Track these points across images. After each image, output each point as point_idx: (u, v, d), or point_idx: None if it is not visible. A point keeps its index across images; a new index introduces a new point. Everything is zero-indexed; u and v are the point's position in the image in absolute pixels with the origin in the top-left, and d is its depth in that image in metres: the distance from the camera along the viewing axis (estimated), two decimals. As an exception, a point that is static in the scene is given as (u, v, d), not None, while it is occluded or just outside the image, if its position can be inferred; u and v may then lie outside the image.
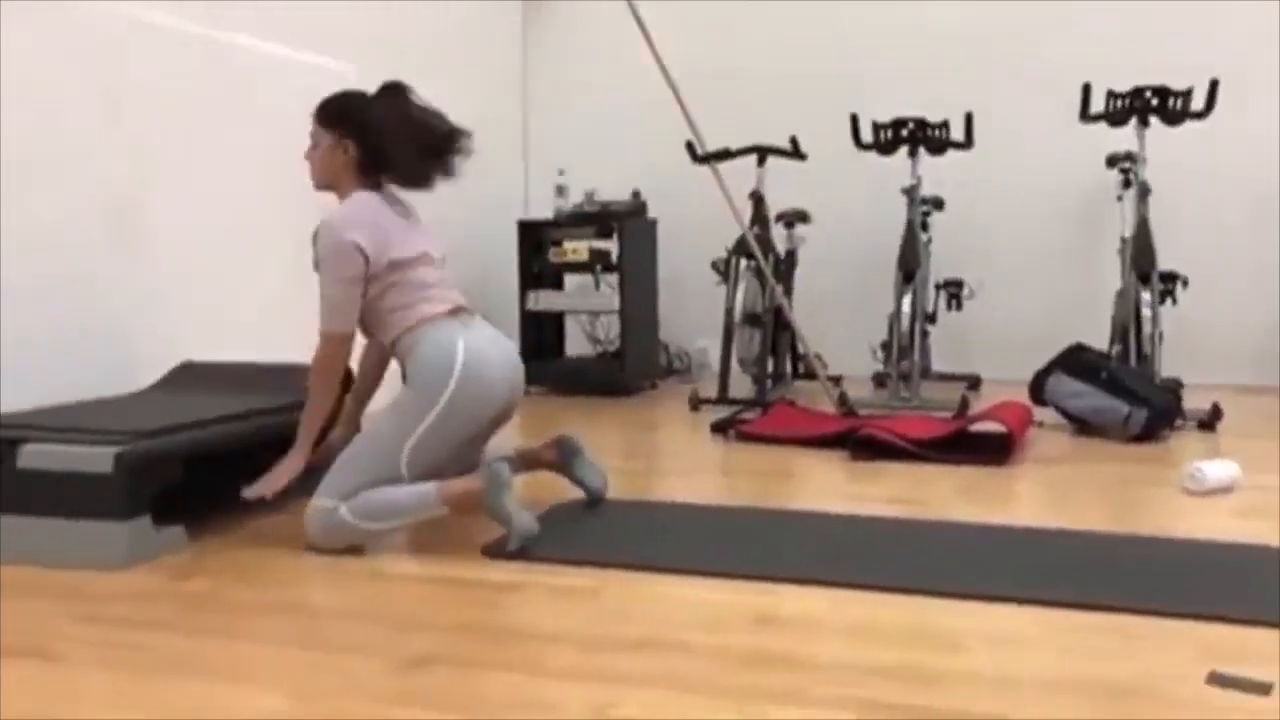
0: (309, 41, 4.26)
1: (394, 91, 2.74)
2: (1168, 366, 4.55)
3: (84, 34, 3.29)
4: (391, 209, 2.73)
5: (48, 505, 2.53)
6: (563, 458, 3.00)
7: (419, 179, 2.74)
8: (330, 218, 2.63)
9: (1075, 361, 4.14)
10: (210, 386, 3.22)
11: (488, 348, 2.67)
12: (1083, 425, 4.07)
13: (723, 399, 4.70)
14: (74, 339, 3.22)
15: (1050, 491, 3.23)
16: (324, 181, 2.76)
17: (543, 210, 5.64)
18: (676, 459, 3.80)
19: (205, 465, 2.77)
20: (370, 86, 2.75)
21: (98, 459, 2.52)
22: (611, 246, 5.22)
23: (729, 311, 4.87)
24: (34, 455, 2.56)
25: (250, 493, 2.65)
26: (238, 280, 3.88)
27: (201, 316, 3.67)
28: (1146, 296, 4.43)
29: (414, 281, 2.66)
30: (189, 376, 3.34)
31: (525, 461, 3.01)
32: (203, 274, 3.70)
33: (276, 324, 3.99)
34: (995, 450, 3.58)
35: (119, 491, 2.50)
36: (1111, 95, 4.61)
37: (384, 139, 2.68)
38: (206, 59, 3.77)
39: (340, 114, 2.73)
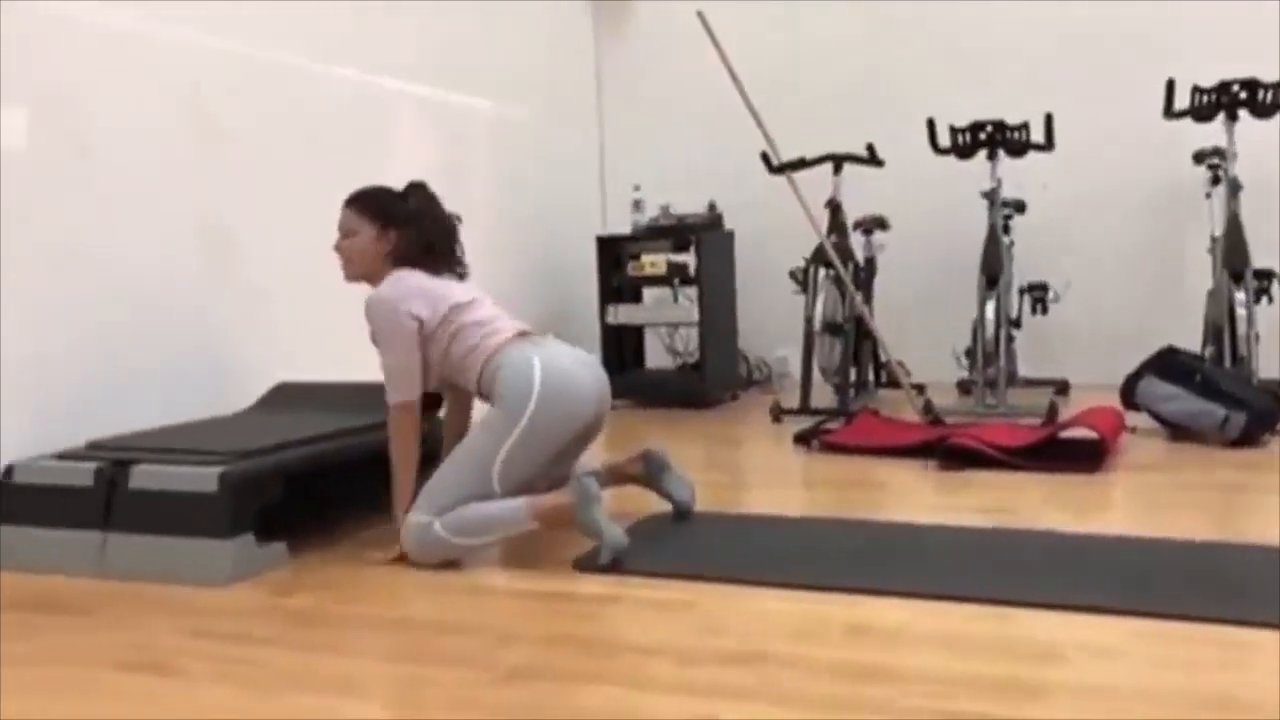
0: (390, 69, 4.36)
1: (421, 187, 2.93)
2: (1266, 367, 4.43)
3: (179, 68, 3.42)
4: (426, 274, 2.86)
5: (157, 524, 2.63)
6: (650, 471, 3.03)
7: (447, 266, 2.92)
8: (381, 293, 2.76)
9: (1168, 364, 4.06)
10: (306, 406, 3.31)
11: (566, 362, 2.76)
12: (1177, 430, 3.98)
13: (804, 409, 4.69)
14: (174, 362, 3.34)
15: (1145, 499, 3.18)
16: (362, 270, 2.87)
17: (620, 225, 5.68)
18: (760, 471, 3.81)
19: (304, 483, 2.86)
20: (449, 109, 2.82)
21: (203, 479, 2.61)
22: (689, 259, 5.25)
23: (809, 321, 4.86)
24: (144, 476, 2.67)
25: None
26: (328, 303, 3.98)
27: (294, 339, 3.78)
28: (1240, 296, 4.31)
29: (474, 321, 2.79)
30: (285, 397, 3.44)
31: (612, 476, 3.05)
32: (294, 297, 3.81)
33: (366, 345, 4.09)
34: (1087, 457, 3.52)
35: (223, 510, 2.60)
36: (1197, 90, 4.52)
37: (423, 229, 2.85)
38: (295, 89, 3.89)
39: (382, 207, 2.87)
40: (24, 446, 2.84)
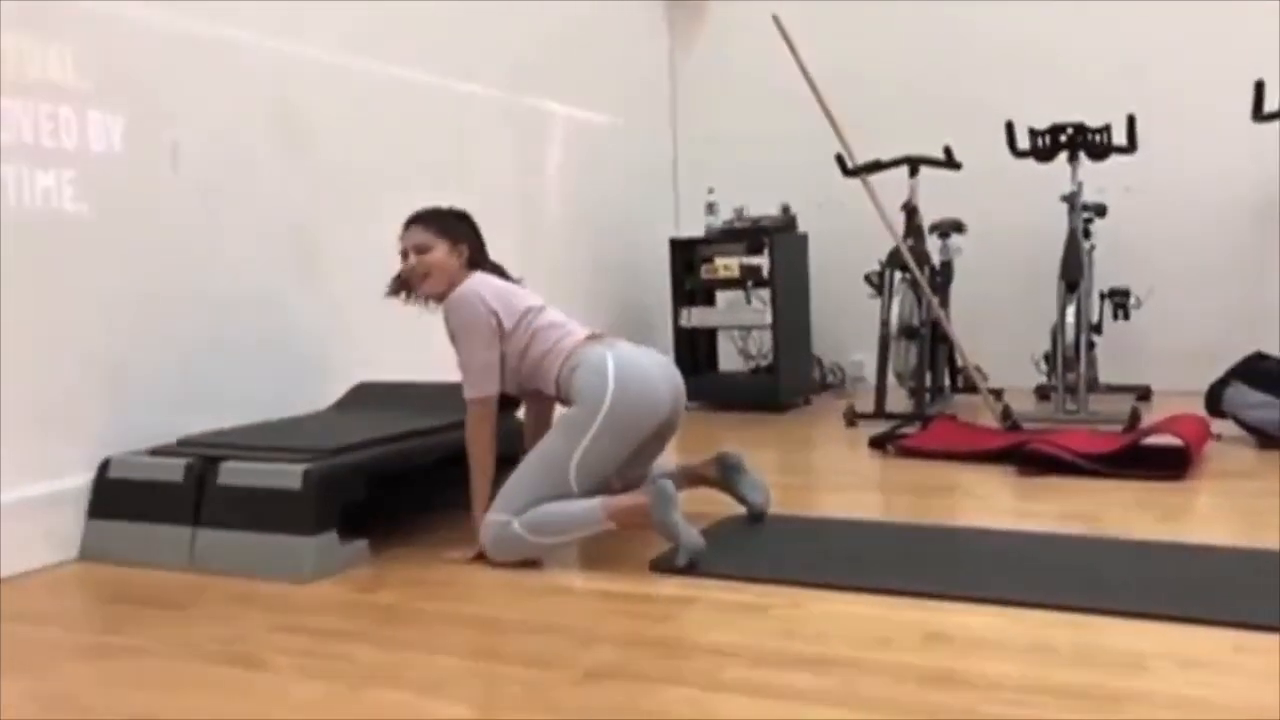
0: (468, 74, 4.42)
1: (462, 212, 3.03)
2: (1357, 375, 4.29)
3: (266, 74, 3.50)
4: (498, 277, 2.94)
5: (244, 519, 2.70)
6: (725, 474, 3.04)
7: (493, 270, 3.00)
8: (459, 293, 2.82)
9: (1256, 370, 3.96)
10: (385, 406, 3.37)
11: (641, 360, 2.81)
12: (1266, 438, 3.88)
13: (879, 414, 4.65)
14: (260, 361, 3.42)
15: (1234, 507, 3.11)
16: (443, 283, 2.90)
17: (694, 228, 5.69)
18: (835, 474, 3.79)
19: (384, 481, 2.91)
20: (526, 112, 2.86)
21: (288, 475, 2.68)
22: (762, 262, 5.24)
23: (884, 324, 4.82)
24: (232, 472, 2.75)
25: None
26: (408, 308, 4.04)
27: (373, 339, 3.84)
28: (1332, 302, 4.20)
29: (548, 324, 2.85)
30: (365, 396, 3.51)
31: (688, 478, 3.07)
32: (374, 299, 3.87)
33: (443, 346, 4.15)
34: (1171, 464, 3.45)
35: (308, 507, 2.66)
36: (1289, 93, 4.40)
37: (480, 248, 2.99)
38: (378, 94, 3.96)
39: (451, 223, 2.96)
40: (121, 442, 2.93)
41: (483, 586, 2.57)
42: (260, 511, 2.69)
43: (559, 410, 2.91)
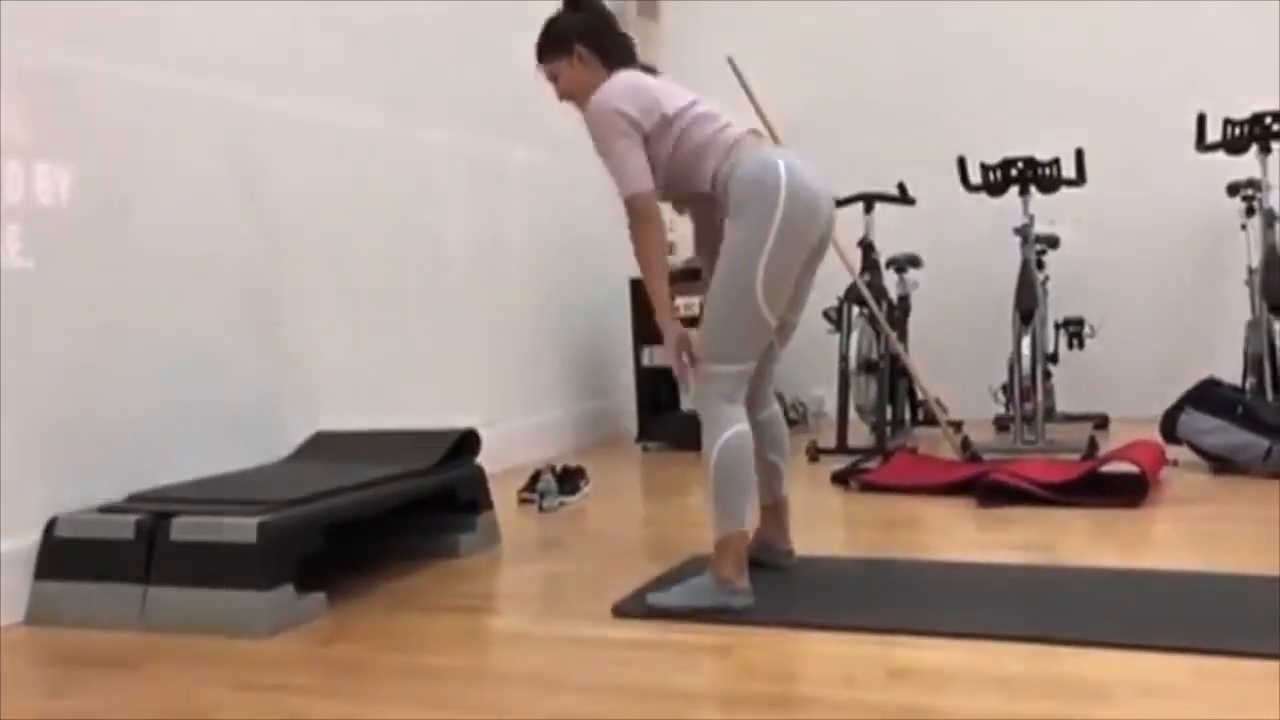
0: (425, 120, 4.42)
1: (569, 5, 2.82)
2: (1308, 398, 4.36)
3: (222, 124, 3.48)
4: (643, 72, 2.73)
5: (197, 576, 2.64)
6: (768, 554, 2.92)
7: (629, 57, 2.78)
8: (589, 106, 2.66)
9: (1208, 396, 4.01)
10: (343, 455, 3.33)
11: (804, 168, 2.58)
12: (1220, 463, 3.92)
13: (841, 448, 4.66)
14: (214, 413, 3.37)
15: (1191, 533, 3.12)
16: (586, 97, 2.72)
17: (652, 268, 5.70)
18: (798, 511, 3.75)
19: (342, 532, 2.87)
20: (485, 156, 2.83)
21: (243, 529, 2.63)
22: (722, 300, 5.25)
23: (844, 359, 4.85)
24: (185, 528, 2.69)
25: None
26: (365, 353, 4.02)
27: (331, 388, 3.81)
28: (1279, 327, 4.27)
29: (704, 116, 2.65)
30: (323, 446, 3.46)
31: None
32: (332, 347, 3.84)
33: (403, 394, 4.13)
34: (1128, 491, 3.47)
35: (263, 560, 2.60)
36: (1229, 123, 4.50)
37: (599, 30, 2.76)
38: (335, 143, 3.94)
39: (555, 40, 2.78)
40: (69, 501, 2.87)
41: (443, 637, 2.52)
42: (214, 567, 2.63)
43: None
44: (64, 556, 2.76)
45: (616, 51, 2.77)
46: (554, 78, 2.81)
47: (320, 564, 2.76)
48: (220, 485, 3.01)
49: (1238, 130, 4.49)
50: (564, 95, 2.81)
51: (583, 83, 2.73)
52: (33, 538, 2.80)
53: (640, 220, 2.59)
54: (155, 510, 2.76)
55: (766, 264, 2.49)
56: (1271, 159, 4.50)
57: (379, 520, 3.03)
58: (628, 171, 2.58)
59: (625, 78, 2.68)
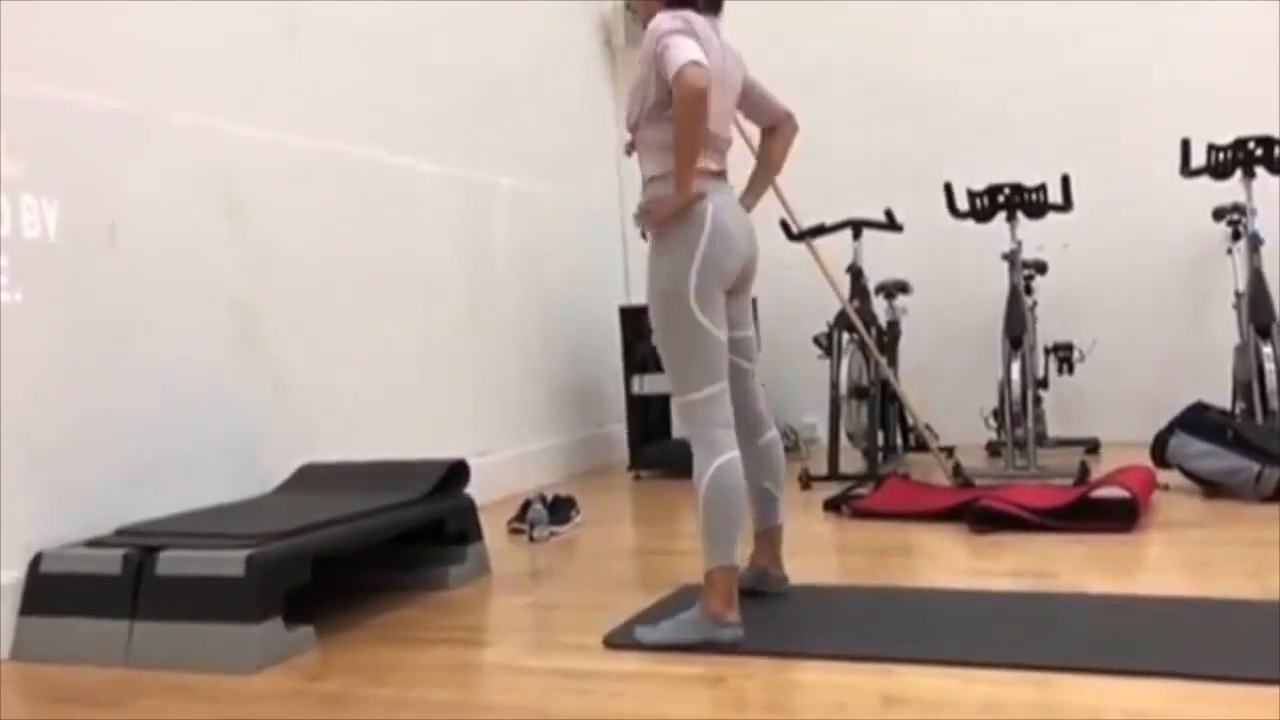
0: (413, 148, 4.43)
1: None
2: (1297, 421, 4.37)
3: (207, 152, 3.48)
4: (702, 16, 2.67)
5: (185, 610, 2.62)
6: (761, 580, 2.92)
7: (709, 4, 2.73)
8: (650, 25, 2.62)
9: (1198, 421, 4.01)
10: (331, 487, 3.31)
11: (730, 209, 2.70)
12: (1211, 487, 3.92)
13: (833, 475, 4.65)
14: (202, 445, 3.35)
15: (1183, 558, 3.12)
16: (649, 13, 2.69)
17: (643, 296, 5.70)
18: (790, 539, 3.75)
19: (330, 564, 2.85)
20: (472, 184, 2.83)
21: (231, 562, 2.61)
22: (712, 328, 5.25)
23: (834, 385, 4.84)
24: (172, 562, 2.67)
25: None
26: (353, 383, 4.00)
27: (319, 420, 3.79)
28: (1268, 350, 4.28)
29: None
30: (310, 478, 3.44)
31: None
32: (320, 378, 3.83)
33: (391, 424, 4.11)
34: (1120, 517, 3.47)
35: (252, 594, 2.58)
36: (1213, 149, 4.53)
37: None
38: (321, 170, 3.94)
39: None
40: (57, 534, 2.85)
41: (432, 670, 2.50)
42: (202, 601, 2.61)
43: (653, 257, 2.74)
44: (50, 592, 2.74)
45: None
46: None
47: (308, 597, 2.74)
48: (208, 518, 2.99)
49: (1222, 156, 4.52)
50: (633, 7, 2.80)
51: (650, 11, 2.69)
52: (18, 573, 2.77)
53: (683, 92, 2.47)
54: (142, 544, 2.74)
55: (695, 283, 2.59)
56: (1255, 184, 4.53)
57: (368, 552, 3.01)
58: (685, 47, 2.50)
59: (674, 14, 2.60)
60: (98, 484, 3.00)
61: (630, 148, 2.80)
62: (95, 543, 2.82)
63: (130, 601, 2.66)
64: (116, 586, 2.67)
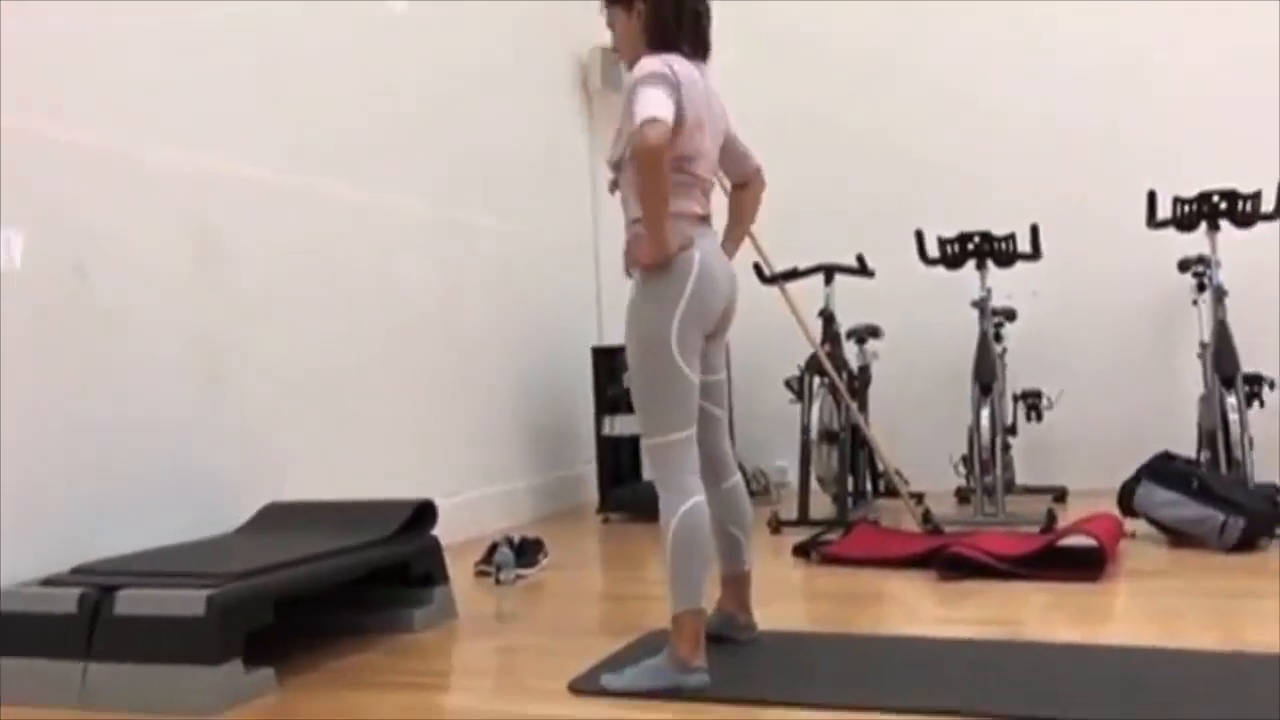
0: (386, 187, 4.42)
1: None
2: (1262, 472, 4.41)
3: (177, 188, 3.47)
4: (688, 60, 2.66)
5: (142, 651, 2.56)
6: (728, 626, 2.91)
7: (700, 42, 2.73)
8: (640, 63, 2.61)
9: (1164, 470, 4.04)
10: (295, 527, 3.27)
11: (714, 254, 2.72)
12: (1176, 536, 3.94)
13: (803, 520, 4.64)
14: (166, 483, 3.31)
15: (1149, 607, 3.13)
16: (630, 56, 2.72)
17: (616, 336, 5.70)
18: (759, 584, 3.73)
19: (292, 605, 2.80)
20: (446, 225, 2.83)
21: (191, 602, 2.56)
22: (684, 370, 5.25)
23: (805, 430, 4.85)
24: (130, 601, 2.62)
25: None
26: (318, 423, 3.97)
27: (284, 459, 3.75)
28: (1232, 400, 4.33)
29: (685, 183, 2.65)
30: (274, 518, 3.40)
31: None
32: (285, 418, 3.80)
33: (357, 464, 4.08)
34: (1086, 565, 3.48)
35: (211, 635, 2.53)
36: (1178, 201, 4.60)
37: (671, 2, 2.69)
38: (293, 208, 3.93)
39: None
40: (12, 572, 2.79)
41: (393, 716, 2.46)
42: (160, 642, 2.56)
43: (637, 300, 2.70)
44: (3, 631, 2.68)
45: (680, 33, 2.68)
46: (611, 25, 2.79)
47: (270, 639, 2.69)
48: (168, 557, 2.94)
49: (1187, 208, 4.59)
50: (617, 44, 2.79)
51: (630, 41, 2.71)
52: (-28, 612, 2.71)
53: (647, 145, 2.47)
54: (100, 583, 2.69)
55: (678, 329, 2.59)
56: (1220, 236, 4.60)
57: (331, 593, 2.97)
58: (651, 99, 2.49)
59: (660, 57, 2.60)
60: (57, 522, 2.95)
61: (614, 185, 2.80)
62: (51, 581, 2.77)
63: (86, 642, 2.60)
64: (72, 626, 2.62)
